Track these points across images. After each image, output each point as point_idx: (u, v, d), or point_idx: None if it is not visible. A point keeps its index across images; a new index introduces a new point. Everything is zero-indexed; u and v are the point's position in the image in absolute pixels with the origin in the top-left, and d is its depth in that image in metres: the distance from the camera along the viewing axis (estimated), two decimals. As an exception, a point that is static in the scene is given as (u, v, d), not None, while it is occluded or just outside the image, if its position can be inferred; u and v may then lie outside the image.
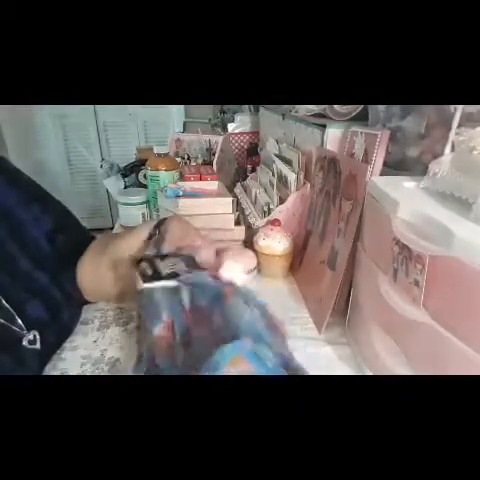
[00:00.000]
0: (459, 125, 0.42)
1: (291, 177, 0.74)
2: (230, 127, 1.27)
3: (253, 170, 1.09)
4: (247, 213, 0.85)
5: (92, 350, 0.52)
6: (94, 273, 0.54)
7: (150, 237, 0.50)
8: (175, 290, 0.43)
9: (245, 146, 1.27)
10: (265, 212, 0.79)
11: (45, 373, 0.47)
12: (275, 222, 0.70)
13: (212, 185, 0.87)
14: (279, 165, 0.80)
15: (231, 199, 0.75)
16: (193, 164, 1.14)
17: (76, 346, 0.53)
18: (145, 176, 1.02)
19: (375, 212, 0.45)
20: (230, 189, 0.98)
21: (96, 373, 0.48)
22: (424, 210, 0.36)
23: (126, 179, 1.13)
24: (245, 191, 0.98)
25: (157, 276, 0.44)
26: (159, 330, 0.41)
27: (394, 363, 0.41)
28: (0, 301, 0.42)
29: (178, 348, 0.39)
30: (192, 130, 1.53)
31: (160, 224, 0.51)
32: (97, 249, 0.55)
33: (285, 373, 0.35)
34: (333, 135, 0.64)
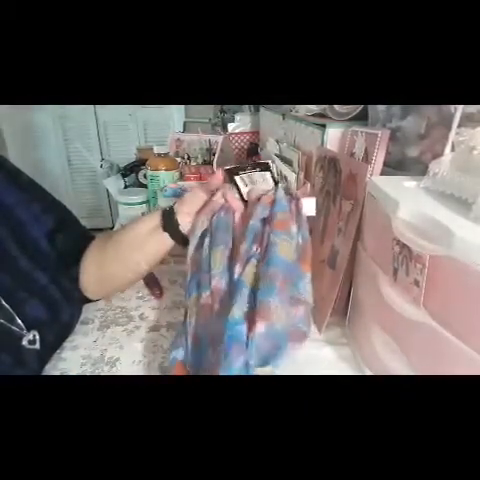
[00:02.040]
0: (459, 125, 0.42)
1: (291, 177, 0.74)
2: (230, 127, 1.27)
3: (253, 170, 1.08)
4: (247, 213, 0.85)
5: (92, 350, 0.52)
6: (99, 271, 0.54)
7: (164, 214, 0.50)
8: None
9: (245, 146, 1.27)
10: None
11: (45, 373, 0.47)
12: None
13: (212, 185, 0.87)
14: (279, 165, 0.80)
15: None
16: (193, 164, 1.14)
17: (76, 346, 0.53)
18: (145, 176, 1.02)
19: (375, 212, 0.45)
20: (230, 189, 0.98)
21: (96, 373, 0.48)
22: (424, 210, 0.36)
23: (126, 179, 1.13)
24: (245, 191, 0.97)
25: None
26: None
27: (394, 363, 0.41)
28: None
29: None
30: (192, 130, 1.53)
31: (167, 214, 0.51)
32: (100, 247, 0.55)
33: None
34: (333, 135, 0.64)
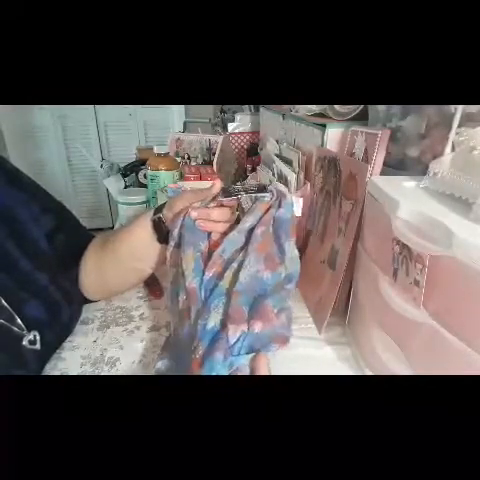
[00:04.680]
0: (459, 125, 0.42)
1: (291, 177, 0.74)
2: (230, 127, 1.27)
3: (253, 170, 1.09)
4: (247, 213, 0.85)
5: (92, 350, 0.52)
6: (98, 271, 0.54)
7: (154, 224, 0.50)
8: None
9: (245, 146, 1.27)
10: (265, 212, 0.79)
11: (45, 373, 0.47)
12: (275, 222, 0.70)
13: (212, 185, 0.87)
14: (279, 165, 0.80)
15: (231, 199, 0.75)
16: (193, 164, 1.15)
17: (76, 346, 0.53)
18: (145, 176, 1.02)
19: (375, 212, 0.45)
20: (230, 189, 0.98)
21: (96, 373, 0.48)
22: (424, 210, 0.36)
23: (126, 179, 1.13)
24: (245, 191, 0.97)
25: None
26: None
27: (394, 363, 0.41)
28: (0, 301, 0.42)
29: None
30: (192, 130, 1.53)
31: (159, 209, 0.50)
32: (99, 248, 0.55)
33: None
34: (333, 135, 0.64)
